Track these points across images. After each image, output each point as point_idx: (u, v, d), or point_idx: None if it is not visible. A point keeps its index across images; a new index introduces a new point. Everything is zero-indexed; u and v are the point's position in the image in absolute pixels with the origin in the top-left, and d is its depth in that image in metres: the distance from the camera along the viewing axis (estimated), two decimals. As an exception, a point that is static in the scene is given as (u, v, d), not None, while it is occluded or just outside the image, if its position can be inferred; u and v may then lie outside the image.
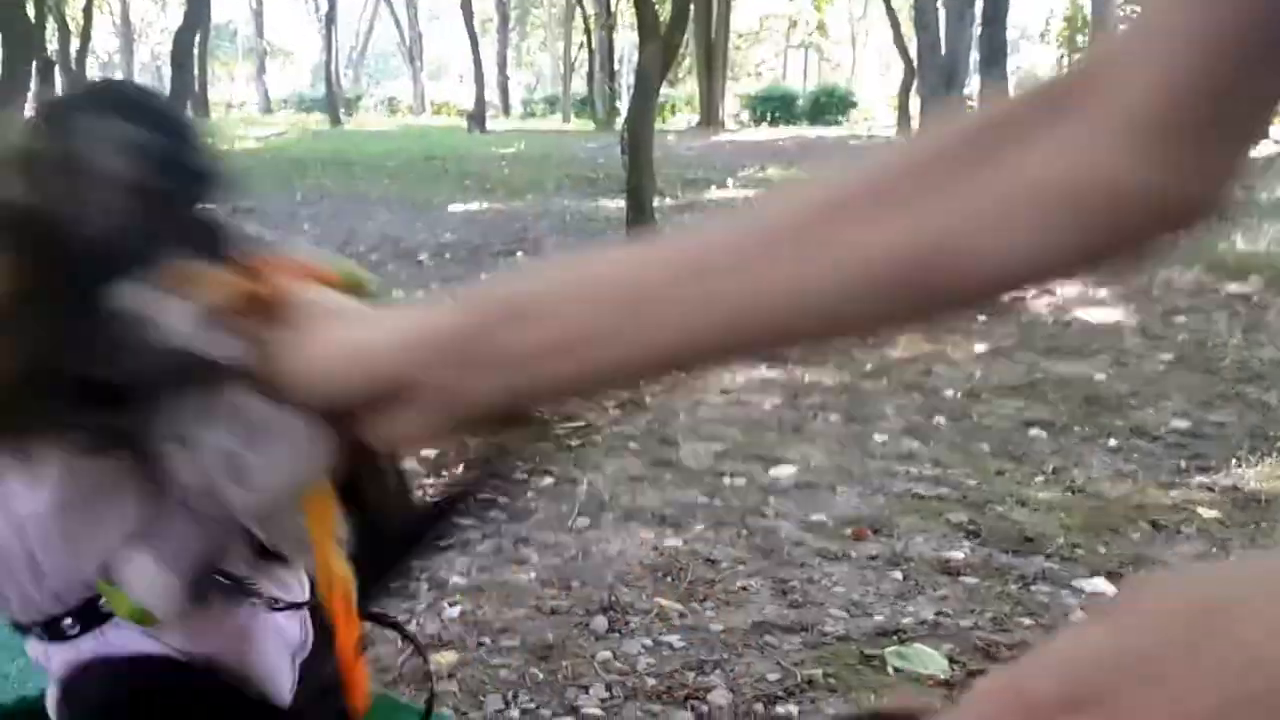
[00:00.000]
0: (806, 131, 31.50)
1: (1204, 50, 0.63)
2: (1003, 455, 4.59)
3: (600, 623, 3.11)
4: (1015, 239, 0.66)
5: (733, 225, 0.73)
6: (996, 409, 5.22)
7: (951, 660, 2.92)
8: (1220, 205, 0.66)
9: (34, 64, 19.76)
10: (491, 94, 40.55)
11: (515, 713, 2.67)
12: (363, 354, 0.75)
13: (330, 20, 41.54)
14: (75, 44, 36.53)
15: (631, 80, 34.14)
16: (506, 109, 46.02)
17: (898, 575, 3.45)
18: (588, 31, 38.31)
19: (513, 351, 0.71)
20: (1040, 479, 4.31)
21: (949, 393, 5.51)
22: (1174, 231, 0.67)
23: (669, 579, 3.42)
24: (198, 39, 24.33)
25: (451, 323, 0.74)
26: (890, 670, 2.88)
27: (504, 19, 43.75)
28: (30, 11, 20.19)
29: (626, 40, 38.88)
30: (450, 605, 3.22)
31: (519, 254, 10.16)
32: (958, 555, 3.60)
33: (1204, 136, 0.65)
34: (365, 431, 0.77)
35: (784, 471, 4.42)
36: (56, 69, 26.60)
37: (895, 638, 3.04)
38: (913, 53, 31.76)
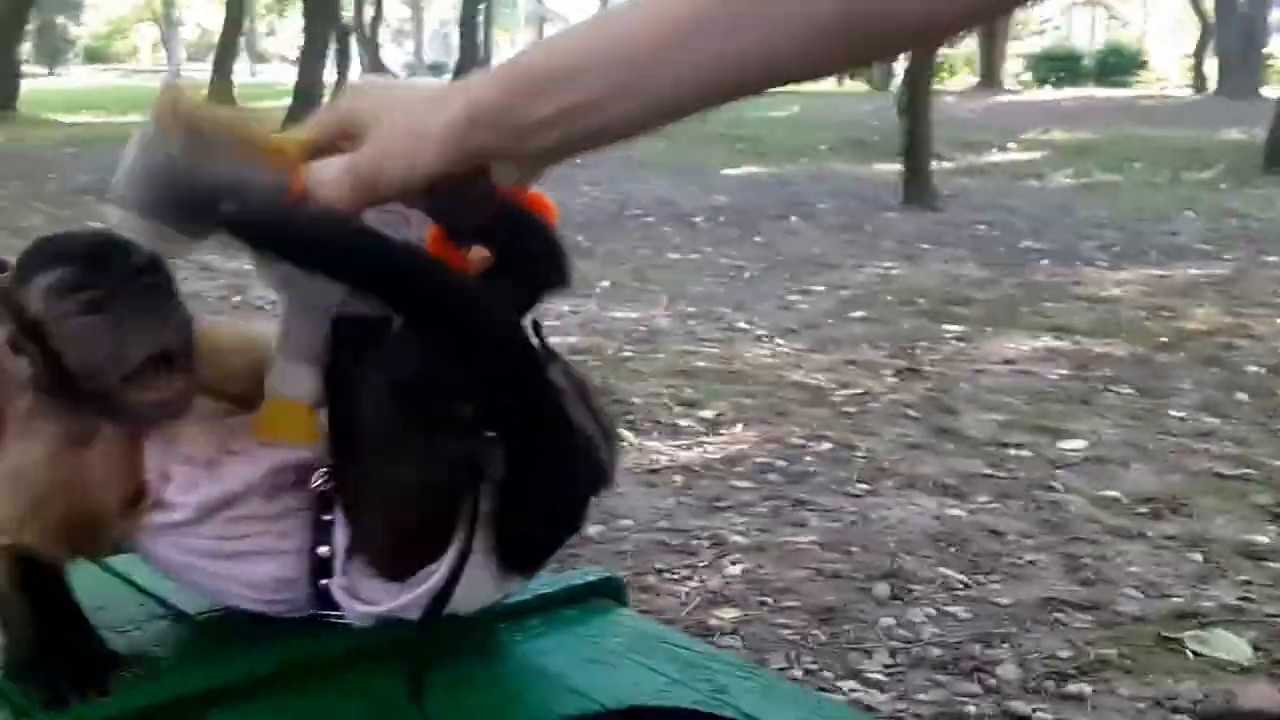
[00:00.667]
0: (1093, 92, 30.27)
1: None
2: (1312, 436, 4.32)
3: (882, 589, 3.07)
4: None
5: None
6: (1303, 384, 4.92)
7: (1256, 648, 2.76)
8: None
9: (333, 31, 20.63)
10: None
11: (798, 672, 2.65)
12: (432, 141, 0.88)
13: (606, -15, 42.05)
14: (369, 12, 38.13)
15: (910, 42, 33.48)
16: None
17: (1197, 557, 3.29)
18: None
19: (536, 118, 0.84)
20: None
21: (1251, 368, 5.22)
22: None
23: (952, 549, 3.34)
24: (482, 7, 25.00)
25: (487, 99, 0.86)
26: (1189, 655, 2.74)
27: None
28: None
29: None
30: (731, 564, 3.23)
31: (792, 218, 10.11)
32: (1262, 539, 3.40)
33: None
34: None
35: (1073, 445, 4.27)
36: (352, 36, 27.79)
37: (1195, 621, 2.89)
38: (1209, 10, 30.21)
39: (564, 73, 0.85)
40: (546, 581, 1.31)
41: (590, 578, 1.35)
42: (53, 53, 54.56)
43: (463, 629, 1.19)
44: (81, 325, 1.12)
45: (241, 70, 37.40)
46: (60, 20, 57.20)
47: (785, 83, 0.84)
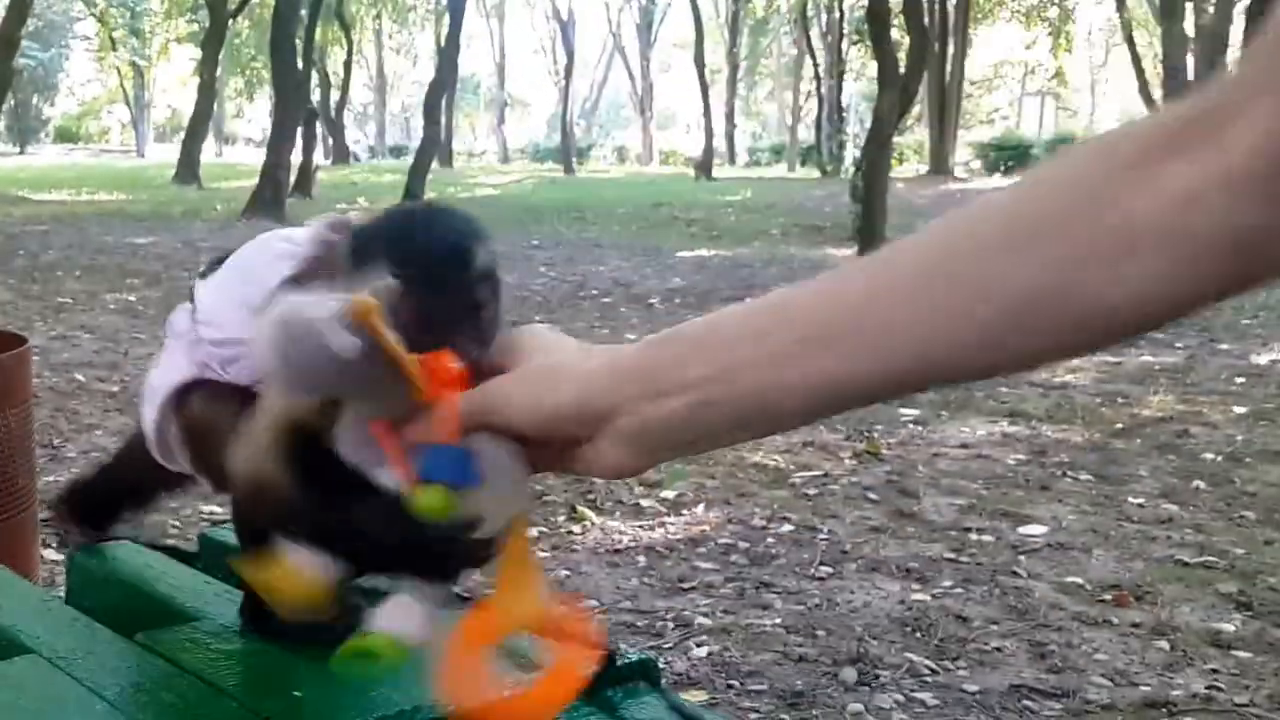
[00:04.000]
0: (1041, 183, 30.75)
1: None
2: (1271, 524, 4.33)
3: (849, 674, 3.03)
4: (1130, 278, 0.68)
5: (897, 257, 0.79)
6: (1262, 475, 4.94)
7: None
8: None
9: (300, 114, 20.89)
10: (718, 143, 40.86)
11: (768, 761, 2.61)
12: (569, 383, 0.84)
13: (568, 72, 42.53)
14: (335, 96, 38.37)
15: (856, 129, 34.04)
16: (732, 157, 46.30)
17: (1164, 645, 3.27)
18: (817, 79, 38.28)
19: (693, 376, 0.78)
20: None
21: (1208, 456, 5.24)
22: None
23: (918, 634, 3.30)
24: (445, 94, 25.27)
25: (641, 354, 0.83)
26: (1160, 744, 2.71)
27: (733, 70, 44.10)
28: (299, 66, 21.30)
29: (854, 89, 38.74)
30: (697, 646, 3.18)
31: (747, 300, 10.13)
32: (1229, 628, 3.39)
33: None
34: (566, 463, 0.86)
35: (1034, 530, 4.25)
36: (318, 119, 28.02)
37: (1165, 710, 2.87)
38: (1159, 101, 30.86)
39: (716, 336, 0.81)
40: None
41: (629, 659, 1.38)
42: (25, 132, 54.92)
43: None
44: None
45: (209, 151, 37.62)
46: (35, 100, 57.54)
47: (955, 376, 0.77)
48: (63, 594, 1.77)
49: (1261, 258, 0.67)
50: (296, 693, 1.30)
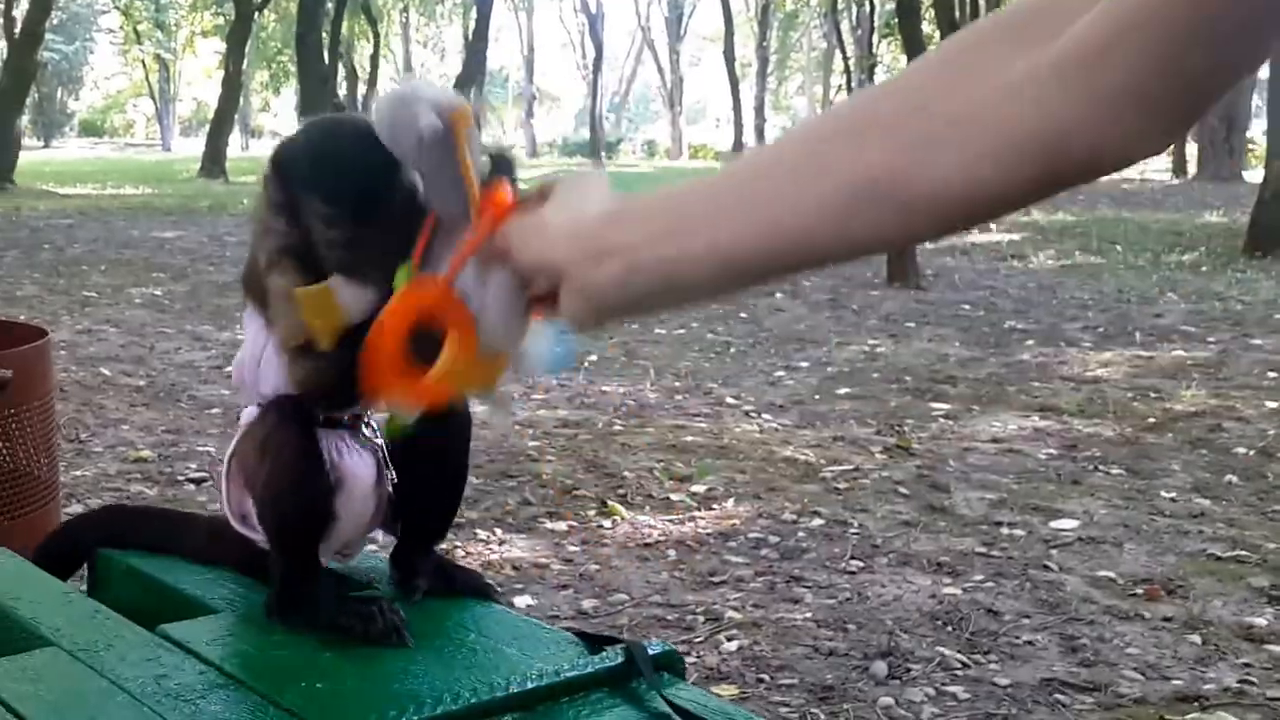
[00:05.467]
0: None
1: (1173, 29, 0.66)
2: (1306, 519, 4.31)
3: (880, 668, 3.04)
4: (953, 164, 0.74)
5: (777, 145, 0.94)
6: (1293, 468, 4.92)
7: (1260, 733, 2.74)
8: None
9: (328, 109, 20.90)
10: (748, 136, 40.78)
11: (799, 753, 2.62)
12: (538, 239, 0.97)
13: (597, 66, 42.56)
14: (361, 89, 38.52)
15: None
16: (763, 152, 46.17)
17: (1196, 639, 3.26)
18: (847, 73, 38.19)
19: (623, 242, 0.89)
20: None
21: (1240, 450, 5.22)
22: (1101, 176, 0.74)
23: (949, 628, 3.31)
24: (474, 88, 25.30)
25: (596, 219, 0.93)
26: (1192, 738, 2.71)
27: (763, 63, 44.02)
28: (325, 59, 21.30)
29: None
30: (727, 640, 3.19)
31: (777, 294, 10.13)
32: (1260, 621, 3.38)
33: (1157, 107, 0.69)
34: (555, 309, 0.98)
35: (1065, 524, 4.25)
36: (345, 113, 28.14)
37: (1196, 704, 2.87)
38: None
39: (648, 207, 0.92)
40: (607, 655, 1.36)
41: (655, 651, 1.38)
42: (50, 125, 55.10)
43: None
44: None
45: (235, 144, 37.75)
46: (59, 94, 57.77)
47: (808, 259, 0.86)
48: (85, 587, 1.78)
49: (1067, 157, 0.72)
50: (319, 684, 1.31)
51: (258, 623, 1.47)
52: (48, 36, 27.17)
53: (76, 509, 4.05)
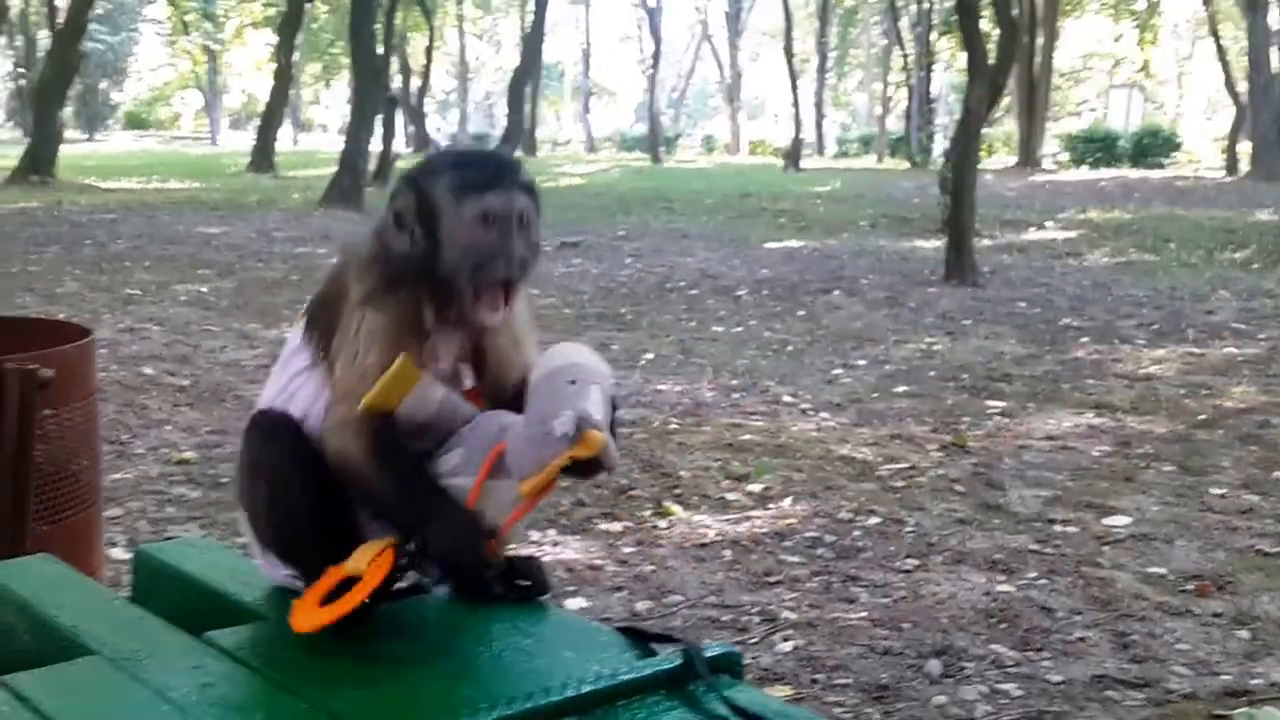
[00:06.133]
0: (1128, 173, 30.35)
1: None
2: (1357, 515, 4.34)
3: (934, 667, 3.11)
4: None
5: None
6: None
7: (1307, 728, 2.79)
8: None
9: (380, 101, 20.88)
10: (807, 133, 40.67)
11: (853, 749, 2.70)
12: None
13: (655, 60, 42.55)
14: (416, 83, 38.70)
15: (947, 120, 33.72)
16: (821, 148, 46.04)
17: (1245, 634, 3.32)
18: (906, 70, 37.99)
19: None
20: None
21: (1291, 446, 5.24)
22: None
23: (1003, 626, 3.38)
24: (529, 81, 25.32)
25: None
26: (1240, 733, 2.77)
27: (823, 59, 43.84)
28: (378, 51, 21.26)
29: (943, 80, 38.34)
30: (782, 640, 3.28)
31: (835, 292, 10.18)
32: (1310, 618, 3.43)
33: None
34: None
35: (1118, 521, 4.30)
36: (399, 106, 28.19)
37: (1245, 699, 2.92)
38: (1243, 94, 30.28)
39: None
40: (664, 658, 1.38)
41: (713, 652, 1.41)
42: (93, 118, 55.00)
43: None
44: (474, 229, 1.50)
45: (284, 138, 37.84)
46: (103, 85, 57.98)
47: None
48: (129, 593, 1.77)
49: None
50: (369, 692, 1.29)
51: (285, 624, 1.44)
52: (91, 27, 26.95)
53: (116, 512, 4.14)
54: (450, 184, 1.50)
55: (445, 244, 1.49)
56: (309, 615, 1.42)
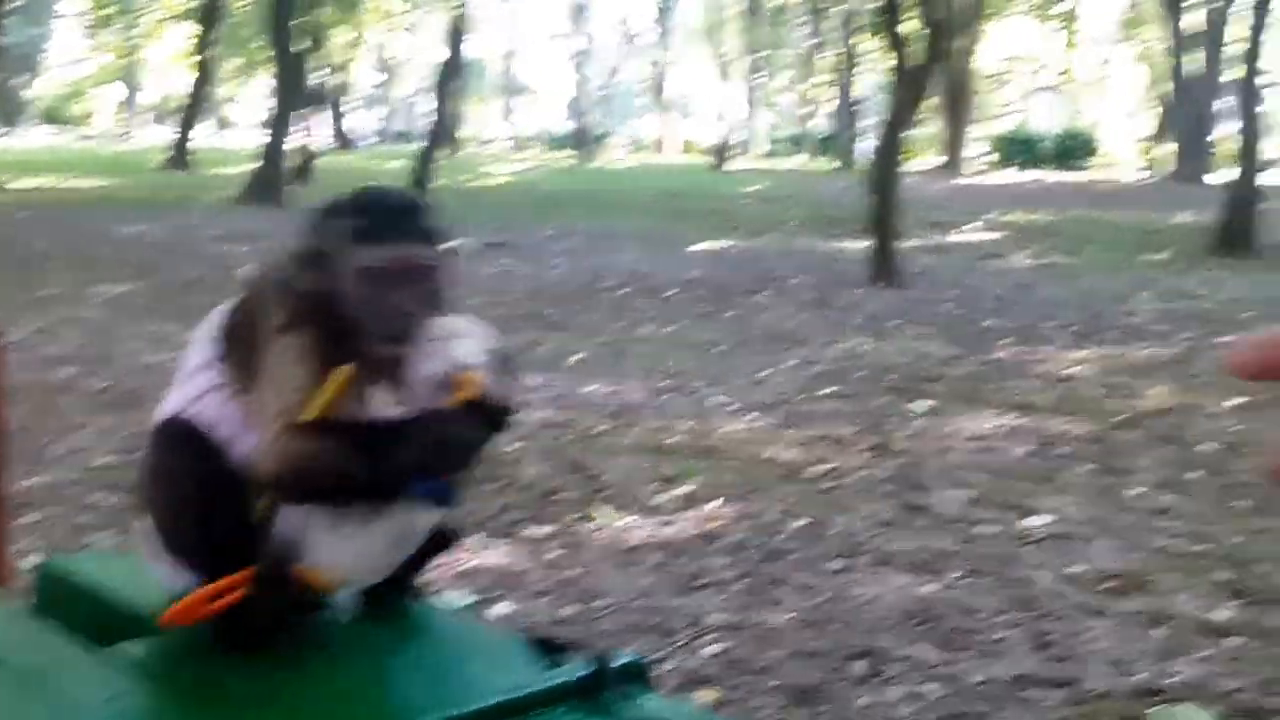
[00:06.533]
0: (1051, 175, 30.83)
1: None
2: (1267, 513, 4.44)
3: (859, 668, 3.15)
4: None
5: None
6: (1254, 459, 5.05)
7: (1219, 723, 2.86)
8: None
9: (301, 97, 20.65)
10: (735, 132, 40.84)
11: (778, 752, 2.73)
12: None
13: (581, 59, 42.53)
14: (338, 79, 38.32)
15: (872, 122, 33.99)
16: (749, 148, 46.25)
17: (1161, 633, 3.40)
18: (833, 71, 38.27)
19: None
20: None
21: (1205, 447, 5.35)
22: None
23: (926, 626, 3.43)
24: (454, 79, 25.15)
25: None
26: (1155, 730, 2.84)
27: (751, 59, 44.03)
28: (300, 47, 21.02)
29: (870, 81, 38.63)
30: (709, 643, 3.31)
31: (763, 293, 10.25)
32: (1222, 615, 3.51)
33: None
34: None
35: (1039, 521, 4.38)
36: (320, 103, 27.89)
37: (1160, 697, 2.99)
38: (1164, 97, 30.85)
39: None
40: (572, 668, 1.39)
41: (622, 660, 1.42)
42: (10, 113, 53.89)
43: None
44: (362, 282, 1.52)
45: (204, 134, 37.25)
46: (18, 80, 56.79)
47: None
48: (33, 603, 1.73)
49: None
50: (273, 708, 1.28)
51: (208, 640, 1.44)
52: (6, 20, 26.37)
53: (33, 518, 4.06)
54: (344, 231, 1.52)
55: (339, 291, 1.51)
56: (183, 610, 1.41)
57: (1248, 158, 14.04)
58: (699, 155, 44.56)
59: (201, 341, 1.66)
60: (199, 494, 1.52)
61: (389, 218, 1.55)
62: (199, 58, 27.91)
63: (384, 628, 1.49)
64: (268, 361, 1.53)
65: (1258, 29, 14.25)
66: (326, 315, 1.53)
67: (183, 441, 1.55)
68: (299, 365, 1.51)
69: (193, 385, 1.62)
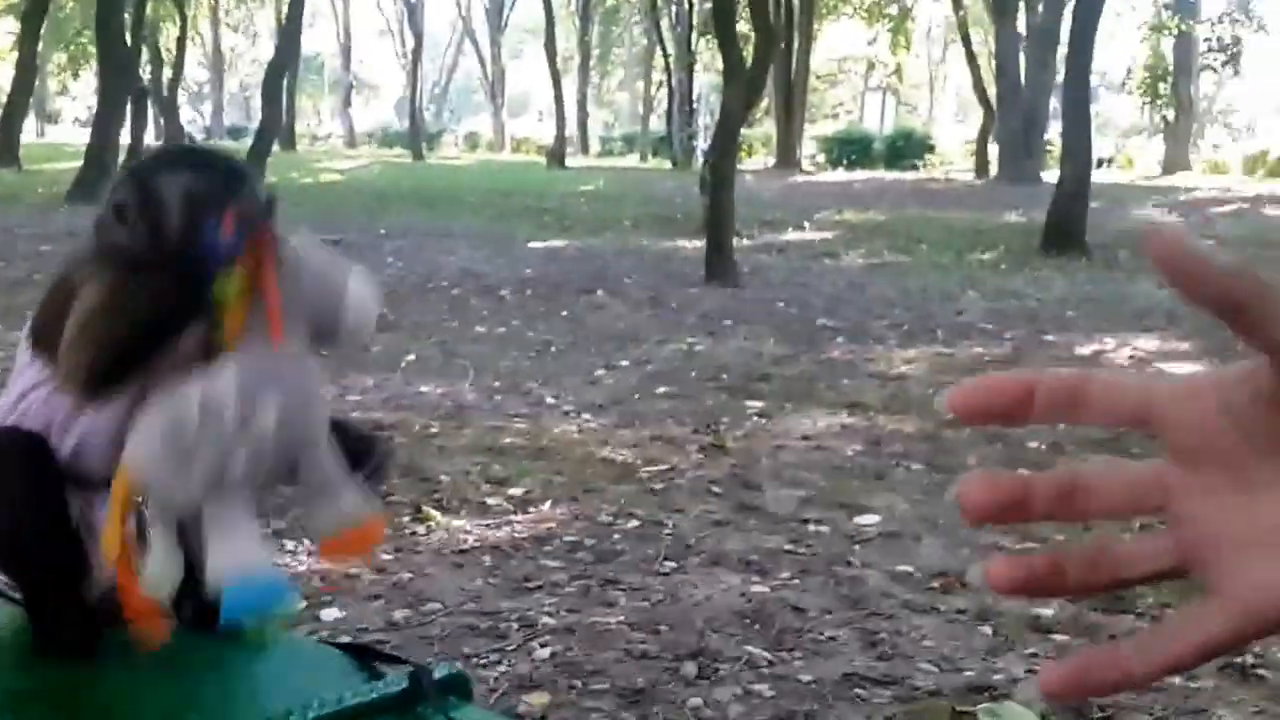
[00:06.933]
0: (883, 175, 31.49)
1: None
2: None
3: (690, 669, 3.13)
4: None
5: None
6: (1081, 463, 5.18)
7: (1044, 718, 2.90)
8: None
9: (129, 92, 20.16)
10: (571, 131, 40.86)
11: (608, 757, 2.69)
12: None
13: (416, 56, 42.11)
14: (168, 74, 37.34)
15: (708, 120, 34.36)
16: (585, 146, 46.31)
17: (987, 630, 3.44)
18: (668, 71, 38.50)
19: None
20: (1129, 535, 4.25)
21: (1032, 444, 5.48)
22: None
23: (757, 626, 3.43)
24: (286, 74, 24.73)
25: None
26: (982, 727, 2.86)
27: (585, 57, 44.12)
28: (128, 41, 20.53)
29: (704, 81, 39.02)
30: (541, 646, 3.25)
31: (598, 292, 10.23)
32: (1047, 612, 3.57)
33: None
34: None
35: (869, 520, 4.42)
36: (149, 98, 27.21)
37: (987, 695, 3.03)
38: (992, 98, 31.76)
39: None
40: (392, 680, 1.36)
41: (441, 673, 1.41)
42: None
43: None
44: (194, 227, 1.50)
45: (29, 130, 36.15)
46: None
47: None
48: None
49: None
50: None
51: (20, 648, 1.42)
52: None
53: None
54: (172, 181, 1.48)
55: (164, 241, 1.45)
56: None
57: (1072, 157, 14.40)
58: (535, 154, 44.50)
59: (23, 340, 1.57)
60: (21, 502, 1.46)
61: (221, 173, 1.57)
62: (22, 52, 26.98)
63: (201, 639, 1.45)
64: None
65: (1086, 25, 14.43)
66: (145, 269, 1.46)
67: (3, 449, 1.49)
68: (100, 293, 1.45)
69: (15, 388, 1.54)
